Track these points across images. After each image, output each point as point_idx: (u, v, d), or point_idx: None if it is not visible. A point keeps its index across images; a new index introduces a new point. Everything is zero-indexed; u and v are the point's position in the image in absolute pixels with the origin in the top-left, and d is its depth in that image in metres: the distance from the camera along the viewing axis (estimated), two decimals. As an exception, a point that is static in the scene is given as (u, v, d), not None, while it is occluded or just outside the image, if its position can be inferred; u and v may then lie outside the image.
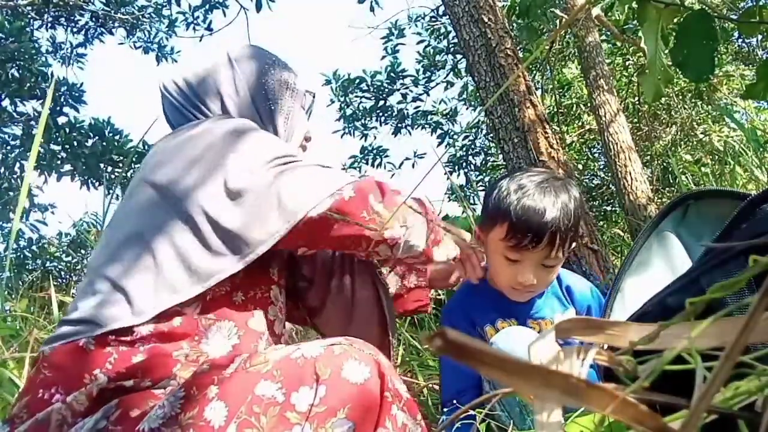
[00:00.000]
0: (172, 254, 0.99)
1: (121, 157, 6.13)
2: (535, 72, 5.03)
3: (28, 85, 5.58)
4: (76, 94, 6.21)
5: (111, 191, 4.20)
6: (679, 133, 5.74)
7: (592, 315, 1.41)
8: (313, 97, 1.41)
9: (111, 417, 0.86)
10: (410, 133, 7.59)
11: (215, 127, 1.13)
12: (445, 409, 1.36)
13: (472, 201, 6.42)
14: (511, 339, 1.22)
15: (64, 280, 5.92)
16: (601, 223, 5.75)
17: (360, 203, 1.08)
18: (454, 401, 1.31)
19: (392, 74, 7.20)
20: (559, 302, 1.42)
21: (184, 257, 0.99)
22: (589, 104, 4.93)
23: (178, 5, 6.46)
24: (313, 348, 0.88)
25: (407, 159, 7.50)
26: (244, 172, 1.05)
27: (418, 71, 7.24)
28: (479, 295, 1.41)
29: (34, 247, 6.46)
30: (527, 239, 1.22)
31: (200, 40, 6.49)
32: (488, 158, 7.46)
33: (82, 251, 6.36)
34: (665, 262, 0.97)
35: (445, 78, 7.24)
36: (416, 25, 7.18)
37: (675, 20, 1.07)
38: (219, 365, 0.90)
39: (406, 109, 7.48)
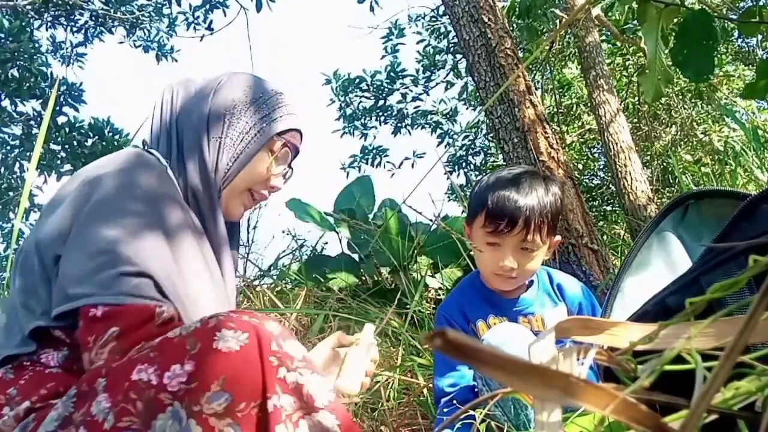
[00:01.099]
0: None
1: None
2: (535, 72, 5.03)
3: (28, 85, 5.58)
4: (76, 94, 6.21)
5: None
6: (679, 133, 5.75)
7: (583, 312, 1.45)
8: (289, 148, 1.23)
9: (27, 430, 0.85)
10: (410, 133, 7.59)
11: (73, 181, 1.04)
12: (443, 400, 1.37)
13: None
14: (501, 335, 1.26)
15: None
16: (601, 223, 5.75)
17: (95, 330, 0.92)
18: (453, 399, 1.32)
19: (392, 74, 7.21)
20: (550, 299, 1.45)
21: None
22: (589, 104, 4.93)
23: (179, 5, 6.46)
24: (192, 324, 0.85)
25: (407, 159, 7.50)
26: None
27: (418, 71, 7.24)
28: (473, 293, 1.47)
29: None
30: (503, 223, 1.32)
31: (201, 40, 6.48)
32: (488, 158, 7.46)
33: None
34: (665, 262, 0.97)
35: (445, 78, 7.24)
36: (416, 25, 7.18)
37: (675, 20, 1.07)
38: (112, 358, 0.88)
39: (406, 109, 7.49)
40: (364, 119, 7.52)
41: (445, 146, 7.45)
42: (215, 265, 1.12)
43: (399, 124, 7.48)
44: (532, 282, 1.47)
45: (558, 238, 1.43)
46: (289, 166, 1.26)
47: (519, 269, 1.35)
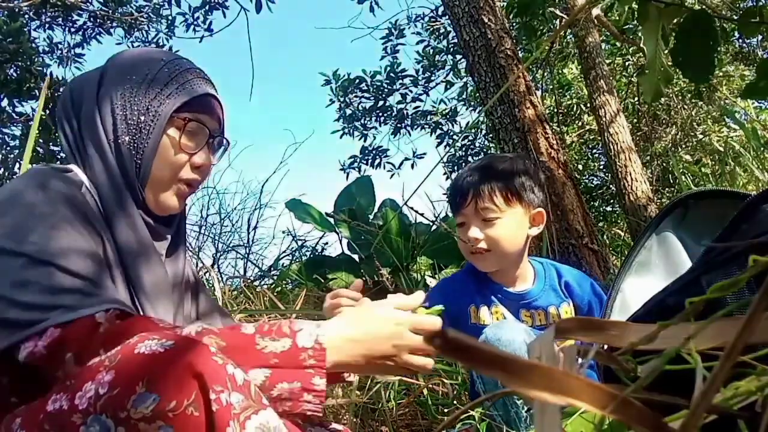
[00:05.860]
0: None
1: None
2: (535, 72, 5.03)
3: (27, 85, 5.58)
4: (76, 95, 6.20)
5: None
6: (679, 133, 5.74)
7: (593, 310, 1.44)
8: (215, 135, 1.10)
9: None
10: (410, 134, 7.59)
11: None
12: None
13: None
14: (498, 332, 1.26)
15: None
16: (601, 223, 5.76)
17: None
18: None
19: (392, 74, 7.20)
20: (556, 295, 1.45)
21: None
22: (589, 104, 4.93)
23: (178, 6, 6.46)
24: (114, 350, 0.78)
25: (407, 159, 7.50)
26: None
27: (417, 71, 7.24)
28: (476, 279, 1.49)
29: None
30: (457, 198, 1.42)
31: (200, 41, 6.49)
32: (488, 158, 7.44)
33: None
34: (665, 263, 0.97)
35: (444, 78, 7.24)
36: (416, 25, 7.18)
37: (675, 20, 1.07)
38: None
39: (406, 109, 7.48)
40: (364, 120, 7.51)
41: (445, 147, 7.44)
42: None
43: (399, 125, 7.48)
44: (537, 275, 1.47)
45: (538, 210, 1.42)
46: (213, 136, 1.09)
47: (487, 240, 1.39)
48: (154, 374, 0.72)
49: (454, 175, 1.57)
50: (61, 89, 5.97)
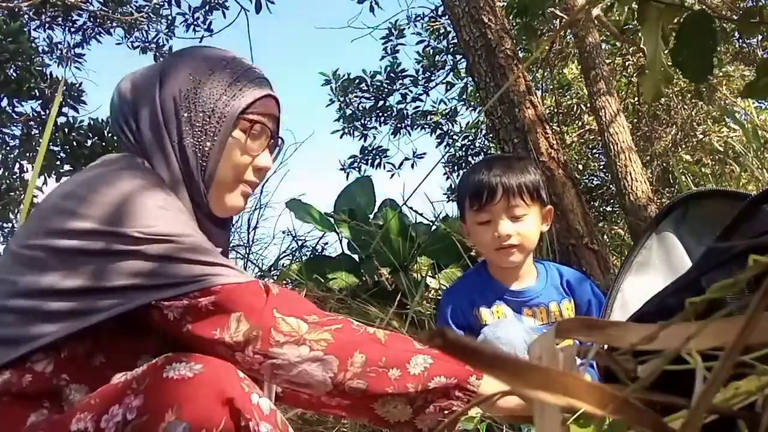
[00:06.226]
0: None
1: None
2: (535, 72, 5.03)
3: (28, 85, 5.58)
4: (76, 95, 6.21)
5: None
6: (679, 133, 5.74)
7: (592, 310, 1.47)
8: (274, 138, 1.11)
9: None
10: (410, 134, 7.58)
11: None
12: None
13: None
14: (497, 331, 1.30)
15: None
16: (601, 223, 5.75)
17: (213, 322, 0.86)
18: None
19: (392, 74, 7.19)
20: (557, 292, 1.48)
21: None
22: (589, 104, 4.93)
23: (178, 6, 6.46)
24: (139, 368, 0.78)
25: (407, 159, 7.50)
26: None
27: (417, 71, 7.24)
28: (480, 281, 1.51)
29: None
30: (485, 194, 1.41)
31: (200, 41, 6.48)
32: (488, 158, 7.44)
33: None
34: (665, 263, 0.97)
35: (444, 78, 7.23)
36: (416, 25, 7.18)
37: (675, 20, 1.07)
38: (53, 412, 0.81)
39: (406, 110, 7.47)
40: (364, 120, 7.50)
41: (445, 147, 7.44)
42: None
43: (399, 125, 7.47)
44: (539, 274, 1.50)
45: (549, 207, 1.50)
46: (273, 138, 1.10)
47: (515, 237, 1.41)
48: (184, 401, 0.71)
49: (469, 174, 1.56)
50: (59, 89, 5.97)
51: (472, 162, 7.56)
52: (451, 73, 7.17)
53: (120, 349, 0.90)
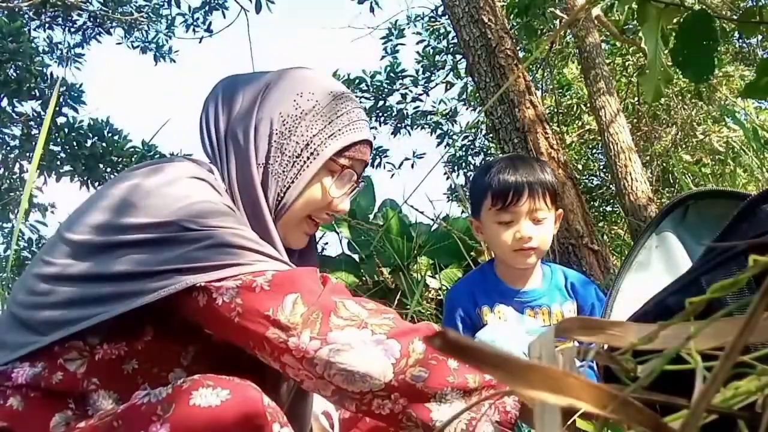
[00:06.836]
0: None
1: (121, 158, 6.13)
2: (535, 72, 5.03)
3: (28, 85, 5.58)
4: (75, 95, 6.21)
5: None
6: (679, 133, 5.75)
7: (595, 314, 1.47)
8: (357, 179, 1.06)
9: None
10: (410, 134, 7.59)
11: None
12: None
13: (471, 201, 6.42)
14: (494, 334, 1.28)
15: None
16: (601, 223, 5.76)
17: (268, 300, 0.83)
18: None
19: (392, 74, 7.20)
20: (561, 294, 1.48)
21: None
22: (589, 104, 4.93)
23: (178, 6, 6.46)
24: (161, 389, 0.76)
25: (407, 159, 7.50)
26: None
27: (417, 71, 7.24)
28: (483, 281, 1.51)
29: (34, 248, 6.45)
30: (510, 195, 1.39)
31: (200, 42, 6.49)
32: (488, 158, 7.47)
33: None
34: (665, 263, 0.97)
35: (444, 78, 7.24)
36: (416, 25, 7.18)
37: (675, 20, 1.07)
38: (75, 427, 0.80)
39: (406, 109, 7.48)
40: (364, 120, 7.50)
41: (445, 147, 7.45)
42: None
43: (399, 125, 7.48)
44: (544, 276, 1.50)
45: (560, 211, 1.49)
46: (357, 182, 1.06)
47: (535, 240, 1.40)
48: (213, 430, 0.70)
49: (490, 172, 1.45)
50: (61, 90, 5.97)
51: (472, 162, 7.57)
52: (451, 73, 7.17)
53: (153, 357, 0.89)
